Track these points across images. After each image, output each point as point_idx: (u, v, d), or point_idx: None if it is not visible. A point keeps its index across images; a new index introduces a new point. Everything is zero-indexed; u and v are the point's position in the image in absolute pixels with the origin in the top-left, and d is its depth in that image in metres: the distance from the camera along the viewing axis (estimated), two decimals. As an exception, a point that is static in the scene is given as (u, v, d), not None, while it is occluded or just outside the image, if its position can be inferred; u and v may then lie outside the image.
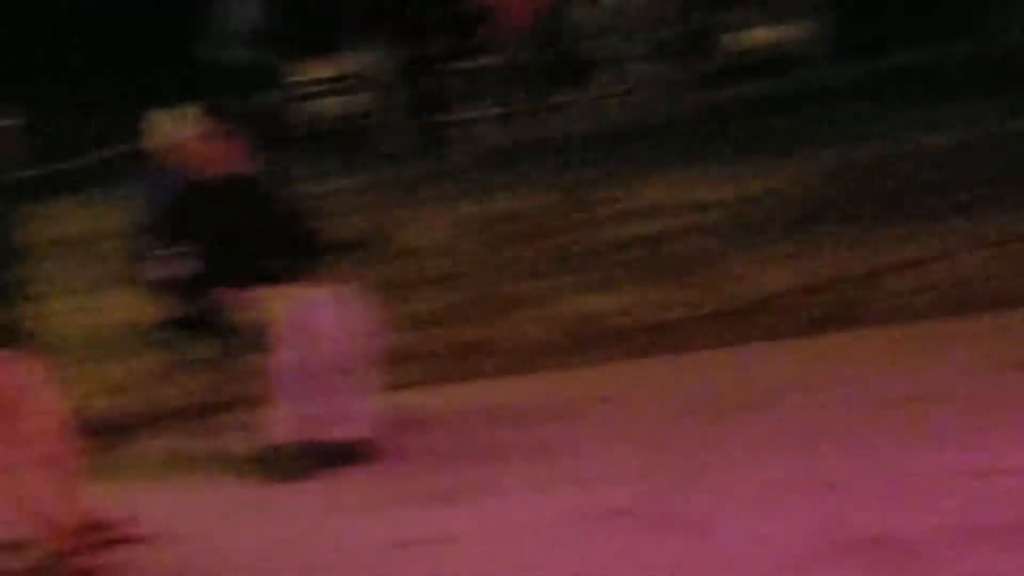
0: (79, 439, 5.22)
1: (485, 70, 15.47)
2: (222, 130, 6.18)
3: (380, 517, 5.14)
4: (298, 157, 15.44)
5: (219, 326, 5.80)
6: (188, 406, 6.21)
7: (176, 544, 5.11)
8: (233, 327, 5.76)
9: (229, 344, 5.85)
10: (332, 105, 18.00)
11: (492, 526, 4.90)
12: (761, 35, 17.00)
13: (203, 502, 5.62)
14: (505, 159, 13.83)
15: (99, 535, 4.95)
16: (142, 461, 6.32)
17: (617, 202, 10.74)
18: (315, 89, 18.12)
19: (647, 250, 8.99)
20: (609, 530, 4.71)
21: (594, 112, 15.19)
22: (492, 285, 8.63)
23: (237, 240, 5.96)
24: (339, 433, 5.74)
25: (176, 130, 6.14)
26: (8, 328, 7.09)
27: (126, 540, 5.02)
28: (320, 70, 18.19)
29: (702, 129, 13.54)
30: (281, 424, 5.67)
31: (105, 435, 6.59)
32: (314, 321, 5.72)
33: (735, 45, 17.07)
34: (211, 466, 5.99)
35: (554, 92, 15.31)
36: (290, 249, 6.16)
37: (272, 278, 5.90)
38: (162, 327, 6.01)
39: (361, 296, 5.96)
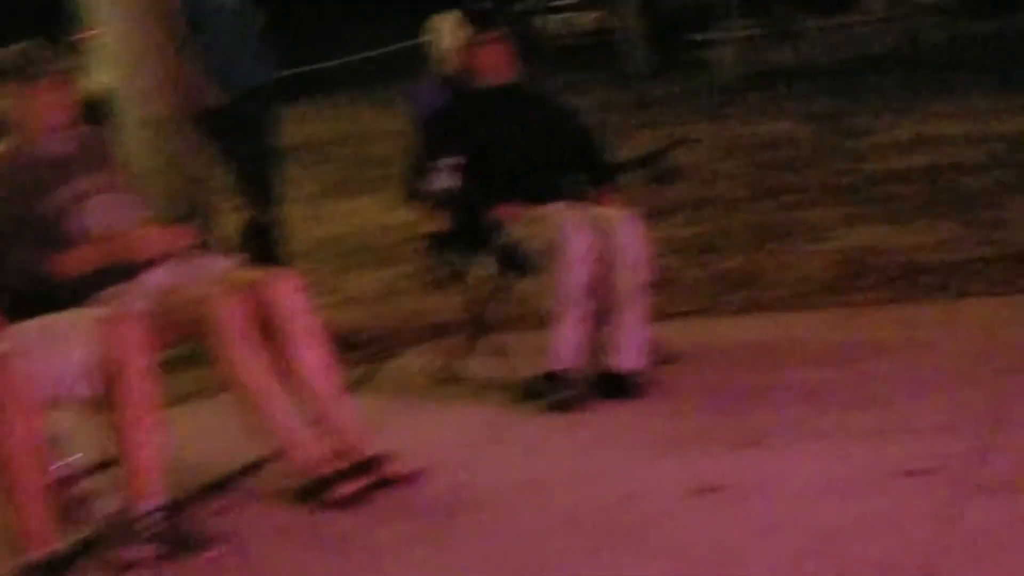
0: (334, 354, 4.96)
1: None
2: (496, 36, 5.82)
3: (668, 459, 4.74)
4: (544, 70, 15.20)
5: (494, 242, 5.46)
6: (451, 323, 5.90)
7: (439, 476, 4.75)
8: (509, 244, 5.42)
9: (503, 262, 5.51)
10: (577, 20, 17.72)
11: (786, 478, 4.44)
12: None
13: (466, 430, 5.29)
14: (757, 83, 13.37)
15: (361, 467, 4.68)
16: (399, 379, 6.02)
17: (884, 132, 10.22)
18: (562, 3, 17.87)
19: (924, 184, 8.43)
20: (919, 490, 4.21)
21: (855, 38, 14.62)
22: (759, 213, 8.17)
23: (516, 153, 5.62)
24: (616, 363, 5.38)
25: (450, 34, 5.80)
26: (267, 234, 6.95)
27: (389, 478, 4.70)
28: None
29: (969, 59, 12.90)
30: (557, 349, 5.32)
31: (359, 350, 6.36)
32: (602, 243, 5.35)
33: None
34: (475, 391, 5.65)
35: (812, 15, 14.77)
36: (574, 165, 5.83)
37: (554, 195, 5.55)
38: (432, 239, 5.70)
39: (640, 219, 5.58)
